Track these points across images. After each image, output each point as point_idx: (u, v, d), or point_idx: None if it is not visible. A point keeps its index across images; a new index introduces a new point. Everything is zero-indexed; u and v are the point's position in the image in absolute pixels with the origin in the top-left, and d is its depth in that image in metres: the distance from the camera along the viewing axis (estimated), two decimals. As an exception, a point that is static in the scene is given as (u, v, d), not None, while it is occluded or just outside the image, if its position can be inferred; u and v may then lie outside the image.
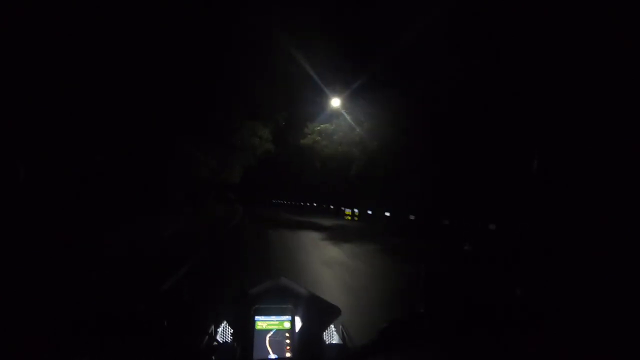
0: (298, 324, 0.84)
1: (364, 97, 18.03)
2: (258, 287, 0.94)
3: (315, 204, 34.16)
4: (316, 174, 28.36)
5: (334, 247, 8.74)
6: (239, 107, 14.68)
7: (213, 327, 0.89)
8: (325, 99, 22.93)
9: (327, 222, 17.84)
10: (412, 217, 15.86)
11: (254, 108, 15.63)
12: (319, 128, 26.27)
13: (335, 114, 26.31)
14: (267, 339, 0.80)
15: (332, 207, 28.10)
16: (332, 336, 0.93)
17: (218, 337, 0.87)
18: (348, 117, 22.79)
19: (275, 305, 0.85)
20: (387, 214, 18.34)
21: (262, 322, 0.82)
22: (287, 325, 0.83)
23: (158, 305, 0.69)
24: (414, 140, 15.46)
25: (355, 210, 23.03)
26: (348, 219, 22.57)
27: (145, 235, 8.04)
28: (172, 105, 11.34)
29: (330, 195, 28.99)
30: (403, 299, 2.05)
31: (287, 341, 0.80)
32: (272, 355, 0.78)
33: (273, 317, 0.83)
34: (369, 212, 20.91)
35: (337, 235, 11.82)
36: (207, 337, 0.80)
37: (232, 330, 0.86)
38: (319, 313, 0.88)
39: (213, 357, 0.75)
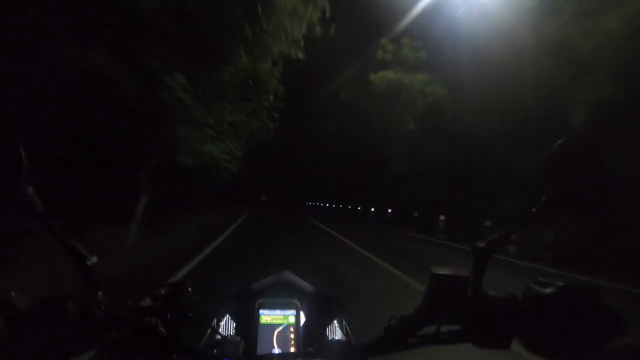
0: (302, 319, 0.83)
1: None
2: (262, 281, 0.92)
3: (402, 210, 19.66)
4: (405, 145, 14.35)
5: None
6: None
7: (216, 320, 0.89)
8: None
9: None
10: None
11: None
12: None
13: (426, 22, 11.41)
14: (275, 333, 0.79)
15: (441, 217, 13.53)
16: (335, 332, 0.91)
17: (221, 331, 0.86)
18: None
19: (279, 299, 0.84)
20: None
21: (267, 317, 0.81)
22: (292, 319, 0.82)
23: (160, 299, 0.68)
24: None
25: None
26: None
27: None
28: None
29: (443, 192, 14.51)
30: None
31: (292, 336, 0.80)
32: (277, 350, 0.78)
33: (277, 312, 0.82)
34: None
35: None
36: (210, 330, 0.84)
37: (235, 325, 0.86)
38: (322, 308, 0.87)
39: (216, 351, 0.73)
